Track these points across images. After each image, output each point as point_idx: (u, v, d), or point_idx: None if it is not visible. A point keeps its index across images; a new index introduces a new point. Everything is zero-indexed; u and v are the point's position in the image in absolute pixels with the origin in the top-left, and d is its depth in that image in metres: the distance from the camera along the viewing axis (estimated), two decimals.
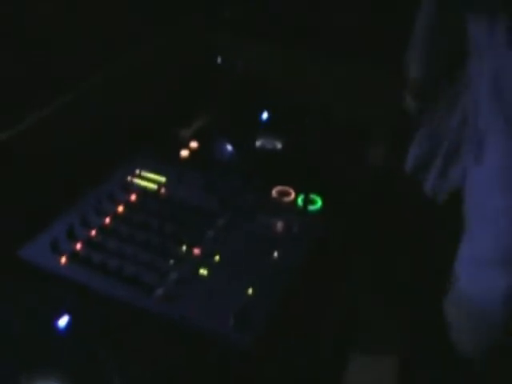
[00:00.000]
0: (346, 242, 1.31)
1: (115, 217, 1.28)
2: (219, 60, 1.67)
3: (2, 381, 1.01)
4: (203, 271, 1.18)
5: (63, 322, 1.10)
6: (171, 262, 1.19)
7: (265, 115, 1.58)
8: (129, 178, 1.38)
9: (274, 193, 1.38)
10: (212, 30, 1.70)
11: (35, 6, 1.38)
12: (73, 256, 1.19)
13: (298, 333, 1.17)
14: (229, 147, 1.47)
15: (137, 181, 1.38)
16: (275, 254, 1.22)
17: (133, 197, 1.33)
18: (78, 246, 1.21)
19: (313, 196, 1.36)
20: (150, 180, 1.38)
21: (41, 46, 1.38)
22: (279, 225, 1.28)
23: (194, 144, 1.50)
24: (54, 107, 1.37)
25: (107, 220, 1.27)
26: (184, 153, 1.47)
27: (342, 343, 1.46)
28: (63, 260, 1.19)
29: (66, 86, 1.44)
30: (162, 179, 1.38)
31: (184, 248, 1.22)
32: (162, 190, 1.36)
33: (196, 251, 1.22)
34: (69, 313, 1.11)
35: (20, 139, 1.33)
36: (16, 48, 1.34)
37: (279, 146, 1.51)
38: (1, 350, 1.06)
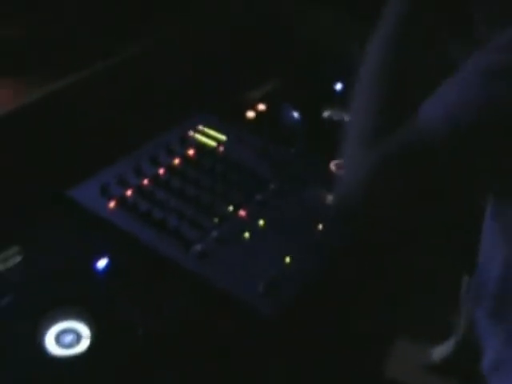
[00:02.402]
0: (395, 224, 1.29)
1: (169, 169, 1.29)
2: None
3: (31, 313, 1.05)
4: (245, 234, 1.19)
5: (102, 264, 1.13)
6: (215, 220, 1.20)
7: (338, 86, 1.56)
8: (190, 133, 1.39)
9: (332, 165, 1.36)
10: None
11: None
12: (121, 202, 1.22)
13: (329, 311, 1.16)
14: (295, 114, 1.46)
15: (197, 136, 1.38)
16: (320, 227, 1.22)
17: (190, 151, 1.34)
18: (128, 192, 1.23)
19: None
20: (210, 137, 1.39)
21: None
22: (330, 198, 1.27)
23: (261, 106, 1.49)
24: (124, 56, 1.39)
25: (161, 171, 1.29)
26: (250, 114, 1.47)
27: (380, 331, 1.45)
28: (111, 204, 1.21)
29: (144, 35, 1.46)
30: (223, 138, 1.39)
31: (230, 208, 1.23)
32: (220, 149, 1.36)
33: (242, 213, 1.23)
34: (108, 256, 1.13)
35: (86, 83, 1.36)
36: None
37: (347, 118, 1.48)
38: (36, 283, 1.10)
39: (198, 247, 1.15)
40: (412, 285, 1.57)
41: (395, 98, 0.88)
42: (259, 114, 1.48)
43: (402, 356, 1.89)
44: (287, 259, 1.15)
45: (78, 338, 1.03)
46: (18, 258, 1.13)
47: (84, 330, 1.04)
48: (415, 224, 0.90)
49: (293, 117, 1.47)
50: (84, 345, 1.03)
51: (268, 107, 1.49)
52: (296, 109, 1.48)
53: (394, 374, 1.86)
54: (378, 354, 1.69)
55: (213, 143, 1.37)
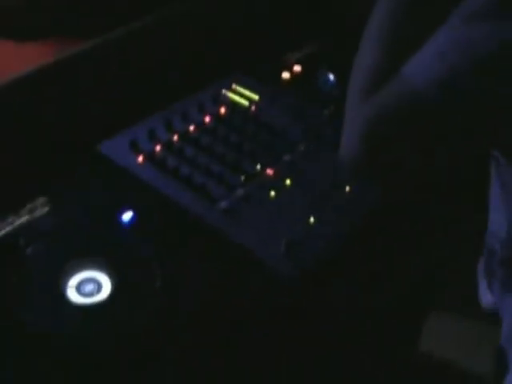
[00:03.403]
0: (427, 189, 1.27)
1: (200, 126, 1.29)
2: None
3: (54, 262, 1.07)
4: (271, 193, 1.19)
5: (127, 216, 1.14)
6: (242, 178, 1.20)
7: None
8: (223, 91, 1.38)
9: None
10: None
11: None
12: (149, 157, 1.22)
13: (351, 276, 1.15)
14: (331, 77, 1.45)
15: (230, 95, 1.38)
16: (347, 189, 1.21)
17: (222, 110, 1.34)
18: (157, 148, 1.24)
19: None
20: (243, 96, 1.38)
21: None
22: None
23: (297, 68, 1.48)
24: (161, 14, 1.40)
25: (191, 128, 1.29)
26: (285, 75, 1.46)
27: (407, 299, 1.43)
28: (140, 159, 1.22)
29: None
30: (256, 97, 1.38)
31: (258, 167, 1.22)
32: (253, 108, 1.36)
33: (269, 172, 1.22)
34: (134, 209, 1.14)
35: (124, 40, 1.36)
36: None
37: None
38: (61, 233, 1.11)
39: (224, 204, 1.15)
40: (446, 255, 1.55)
41: (394, 50, 0.87)
42: (295, 75, 1.47)
43: (437, 328, 1.88)
44: (311, 220, 1.14)
45: (99, 287, 1.05)
46: (46, 209, 1.15)
47: (104, 280, 1.05)
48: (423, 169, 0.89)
49: (328, 80, 1.45)
50: (103, 295, 1.04)
51: (304, 69, 1.48)
52: (332, 72, 1.46)
53: (428, 346, 1.85)
54: (412, 326, 1.68)
55: (245, 102, 1.37)
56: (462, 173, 1.25)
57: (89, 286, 1.05)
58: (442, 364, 1.88)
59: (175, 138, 1.26)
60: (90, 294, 1.04)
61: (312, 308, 1.09)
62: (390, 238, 1.20)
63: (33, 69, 1.25)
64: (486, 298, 1.10)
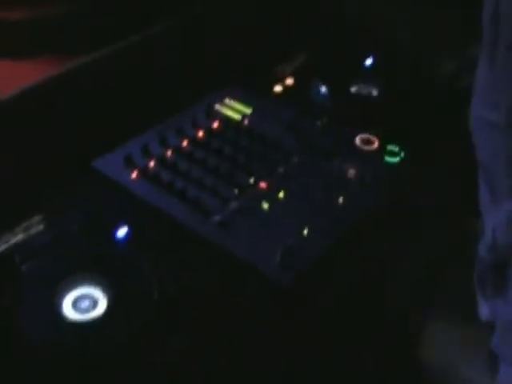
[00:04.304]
0: (422, 200, 1.28)
1: (193, 141, 1.30)
2: None
3: (50, 279, 1.07)
4: (264, 205, 1.19)
5: (122, 232, 1.14)
6: (235, 191, 1.21)
7: (369, 61, 1.55)
8: (216, 106, 1.39)
9: (357, 140, 1.35)
10: None
11: None
12: (144, 172, 1.23)
13: (347, 286, 1.15)
14: (323, 88, 1.46)
15: (223, 109, 1.39)
16: (340, 200, 1.21)
17: (215, 124, 1.35)
18: (151, 163, 1.25)
19: (394, 148, 1.32)
20: (236, 110, 1.39)
21: None
22: (352, 171, 1.26)
23: (289, 81, 1.49)
24: (152, 31, 1.41)
25: (185, 143, 1.29)
26: (277, 88, 1.47)
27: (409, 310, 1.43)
28: (134, 175, 1.22)
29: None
30: (248, 111, 1.39)
31: (251, 180, 1.23)
32: (245, 122, 1.36)
33: (262, 185, 1.23)
34: (129, 225, 1.15)
35: (117, 56, 1.37)
36: None
37: (375, 93, 1.48)
38: (57, 250, 1.12)
39: (218, 217, 1.16)
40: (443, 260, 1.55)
41: None
42: (287, 88, 1.48)
43: (436, 332, 1.88)
44: (305, 231, 1.15)
45: (95, 303, 1.05)
46: (41, 227, 1.15)
47: (100, 296, 1.06)
48: None
49: (321, 91, 1.46)
50: (100, 310, 1.04)
51: (296, 81, 1.49)
52: (324, 83, 1.47)
53: (427, 350, 1.85)
54: (411, 330, 1.68)
55: (238, 116, 1.38)
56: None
57: (85, 303, 1.05)
58: (442, 368, 1.88)
59: (169, 153, 1.27)
60: (86, 310, 1.04)
61: (309, 313, 1.09)
62: (384, 247, 1.21)
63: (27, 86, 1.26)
64: (484, 310, 1.10)
